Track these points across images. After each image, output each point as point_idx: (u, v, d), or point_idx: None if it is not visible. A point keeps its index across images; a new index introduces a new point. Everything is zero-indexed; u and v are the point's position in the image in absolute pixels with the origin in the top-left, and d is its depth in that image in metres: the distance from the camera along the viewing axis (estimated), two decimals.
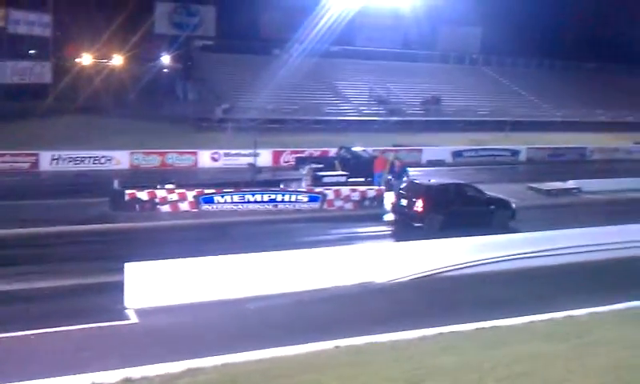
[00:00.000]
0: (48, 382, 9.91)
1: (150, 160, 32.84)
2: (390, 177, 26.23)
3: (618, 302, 14.67)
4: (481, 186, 23.79)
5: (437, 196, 21.82)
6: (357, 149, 31.41)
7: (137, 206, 22.10)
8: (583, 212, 25.85)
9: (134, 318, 13.06)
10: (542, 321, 13.48)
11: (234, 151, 34.11)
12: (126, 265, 13.50)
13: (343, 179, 26.22)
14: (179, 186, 22.89)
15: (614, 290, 15.66)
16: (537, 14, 62.78)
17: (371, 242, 20.73)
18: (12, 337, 11.71)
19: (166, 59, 61.86)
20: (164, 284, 13.71)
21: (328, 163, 29.02)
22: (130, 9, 51.65)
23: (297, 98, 52.20)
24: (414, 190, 22.41)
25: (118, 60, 61.02)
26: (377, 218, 23.69)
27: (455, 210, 21.45)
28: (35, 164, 30.43)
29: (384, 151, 31.03)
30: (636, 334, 12.98)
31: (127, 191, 22.25)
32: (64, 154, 31.14)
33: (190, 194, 22.54)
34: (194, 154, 34.11)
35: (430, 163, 37.20)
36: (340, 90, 56.66)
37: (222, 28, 58.20)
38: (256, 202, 23.08)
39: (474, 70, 66.25)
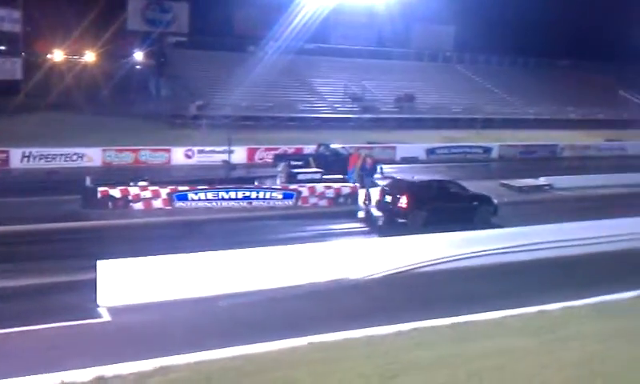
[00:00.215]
0: (18, 382, 9.73)
1: (122, 157, 32.62)
2: (361, 172, 26.29)
3: (591, 296, 14.81)
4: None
5: (420, 193, 22.04)
6: (335, 146, 31.47)
7: (109, 204, 21.91)
8: (555, 208, 26.21)
9: (106, 316, 12.92)
10: (515, 316, 13.54)
11: (208, 148, 34.01)
12: (99, 262, 13.35)
13: (318, 176, 26.23)
14: (152, 184, 22.73)
15: (587, 284, 15.84)
16: (510, 12, 63.07)
17: (346, 238, 20.72)
18: None
19: (139, 56, 61.19)
20: (137, 282, 13.59)
21: (305, 160, 29.04)
22: (102, 4, 50.84)
23: (271, 95, 52.02)
24: (398, 186, 22.62)
25: (90, 56, 60.42)
26: (351, 215, 23.86)
27: (439, 207, 21.61)
28: (5, 161, 30.04)
29: (359, 148, 31.11)
30: (609, 328, 13.08)
31: (100, 189, 22.06)
32: (35, 151, 30.78)
33: (164, 192, 22.41)
34: (168, 151, 33.94)
35: (404, 160, 37.49)
36: (315, 88, 56.62)
37: (196, 24, 57.72)
38: (230, 199, 23.04)
39: (447, 67, 66.54)
